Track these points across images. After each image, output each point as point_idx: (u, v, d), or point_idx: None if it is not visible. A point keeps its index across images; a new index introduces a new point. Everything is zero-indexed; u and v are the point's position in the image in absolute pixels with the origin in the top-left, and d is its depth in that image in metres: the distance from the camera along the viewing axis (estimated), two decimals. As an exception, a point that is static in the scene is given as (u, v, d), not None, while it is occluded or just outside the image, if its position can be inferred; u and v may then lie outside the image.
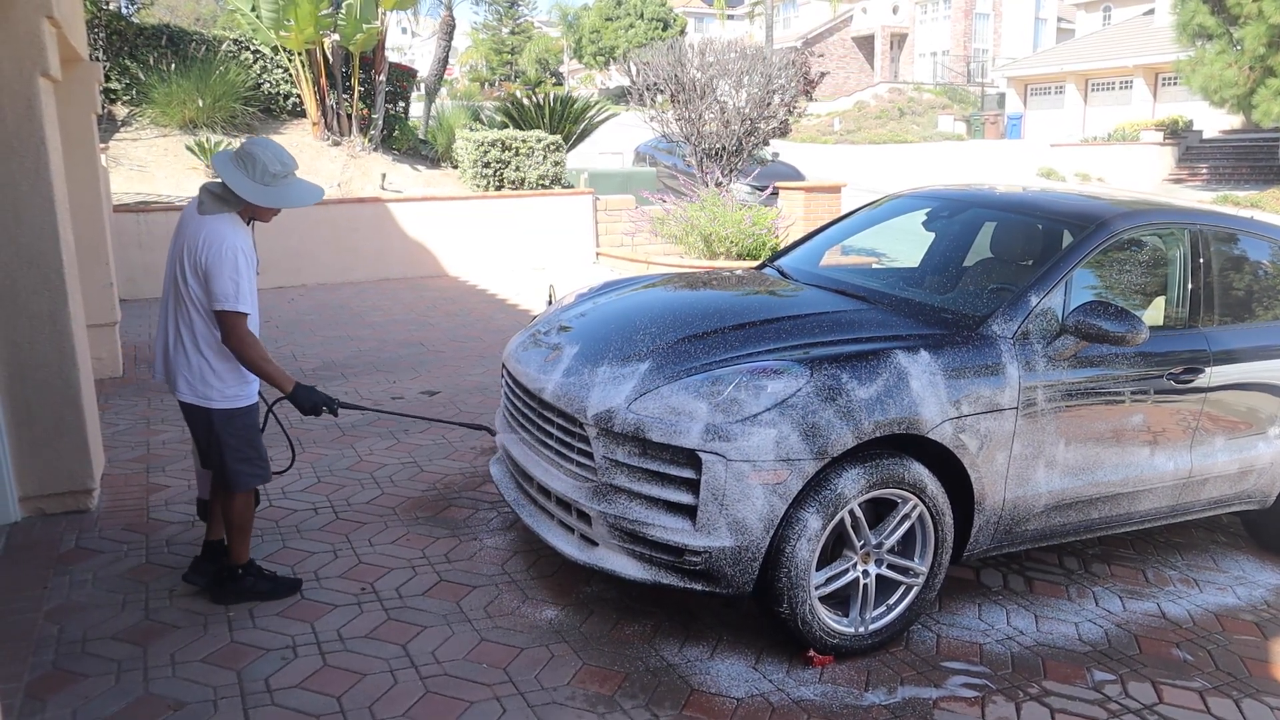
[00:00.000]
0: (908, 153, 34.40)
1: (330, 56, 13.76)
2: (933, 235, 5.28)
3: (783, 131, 12.73)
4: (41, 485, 4.44)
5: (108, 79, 13.24)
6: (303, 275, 11.55)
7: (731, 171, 12.10)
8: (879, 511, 3.50)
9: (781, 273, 4.82)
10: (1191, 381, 4.05)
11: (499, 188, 13.23)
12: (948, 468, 3.54)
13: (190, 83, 13.08)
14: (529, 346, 4.06)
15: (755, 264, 5.35)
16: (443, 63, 16.35)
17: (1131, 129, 29.04)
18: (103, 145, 11.16)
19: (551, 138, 13.33)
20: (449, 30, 15.94)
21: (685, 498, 3.24)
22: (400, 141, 14.39)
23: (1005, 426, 3.58)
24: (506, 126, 15.06)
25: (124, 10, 15.27)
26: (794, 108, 12.17)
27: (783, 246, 11.69)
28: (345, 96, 14.17)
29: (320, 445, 5.64)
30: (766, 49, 12.49)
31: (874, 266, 5.19)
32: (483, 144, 13.02)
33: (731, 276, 4.78)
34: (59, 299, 4.36)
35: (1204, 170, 26.58)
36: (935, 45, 49.60)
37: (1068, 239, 4.13)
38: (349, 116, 14.04)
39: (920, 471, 3.43)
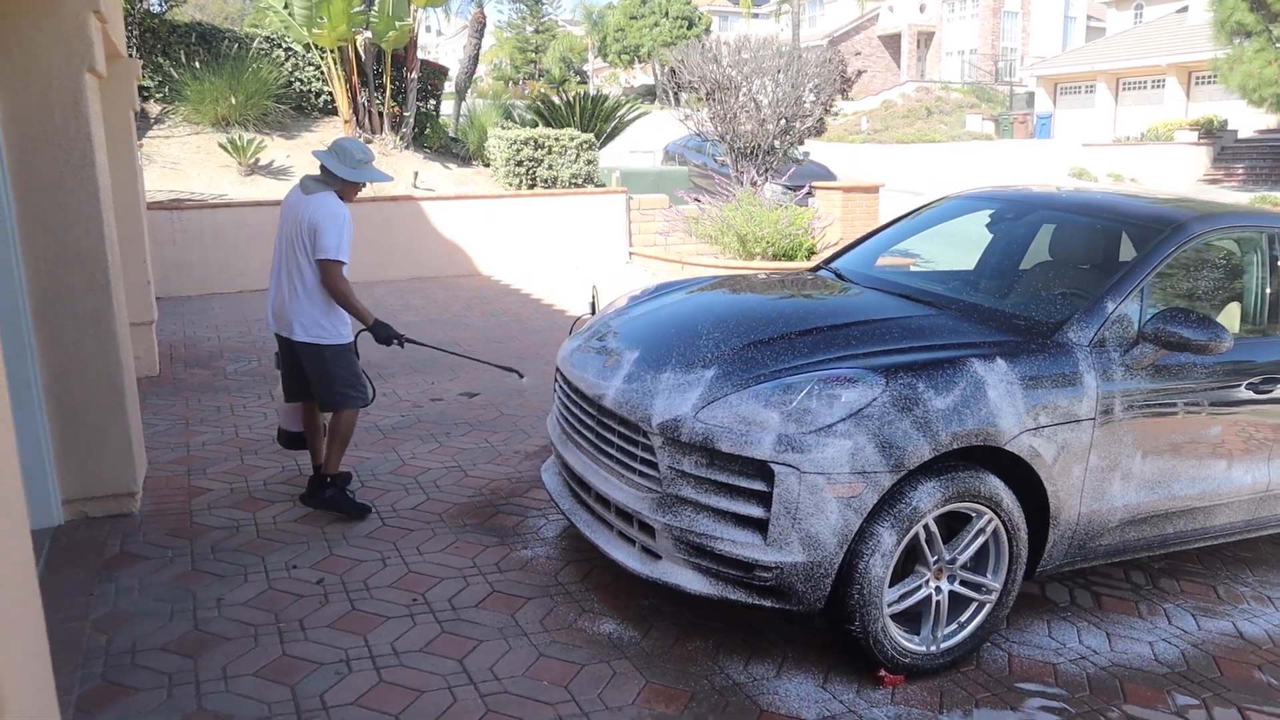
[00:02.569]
0: (937, 152, 34.05)
1: (362, 54, 13.72)
2: (989, 237, 5.14)
3: (818, 130, 12.57)
4: (85, 488, 4.37)
5: (140, 76, 13.23)
6: (335, 274, 11.48)
7: (767, 171, 11.95)
8: (951, 526, 3.37)
9: (839, 275, 4.68)
10: (1271, 391, 3.89)
11: (531, 186, 13.15)
12: (1022, 480, 3.40)
13: (223, 80, 13.06)
14: (585, 351, 3.95)
15: (809, 266, 5.21)
16: (473, 60, 16.28)
17: (1165, 129, 28.61)
18: (137, 143, 11.15)
19: (584, 136, 13.23)
20: (480, 27, 15.87)
21: (755, 511, 3.12)
22: (432, 140, 14.33)
23: (1082, 438, 3.44)
24: (537, 125, 14.98)
25: (156, 7, 15.25)
26: (830, 106, 12.00)
27: (827, 248, 11.60)
28: (377, 94, 14.13)
29: (362, 448, 5.55)
30: (798, 47, 12.31)
31: (927, 270, 5.03)
32: (515, 142, 12.93)
33: (789, 279, 4.65)
34: (105, 298, 4.29)
35: (1240, 170, 26.14)
36: (963, 44, 49.14)
37: (1142, 243, 3.97)
38: (380, 114, 14.00)
39: (996, 484, 3.30)
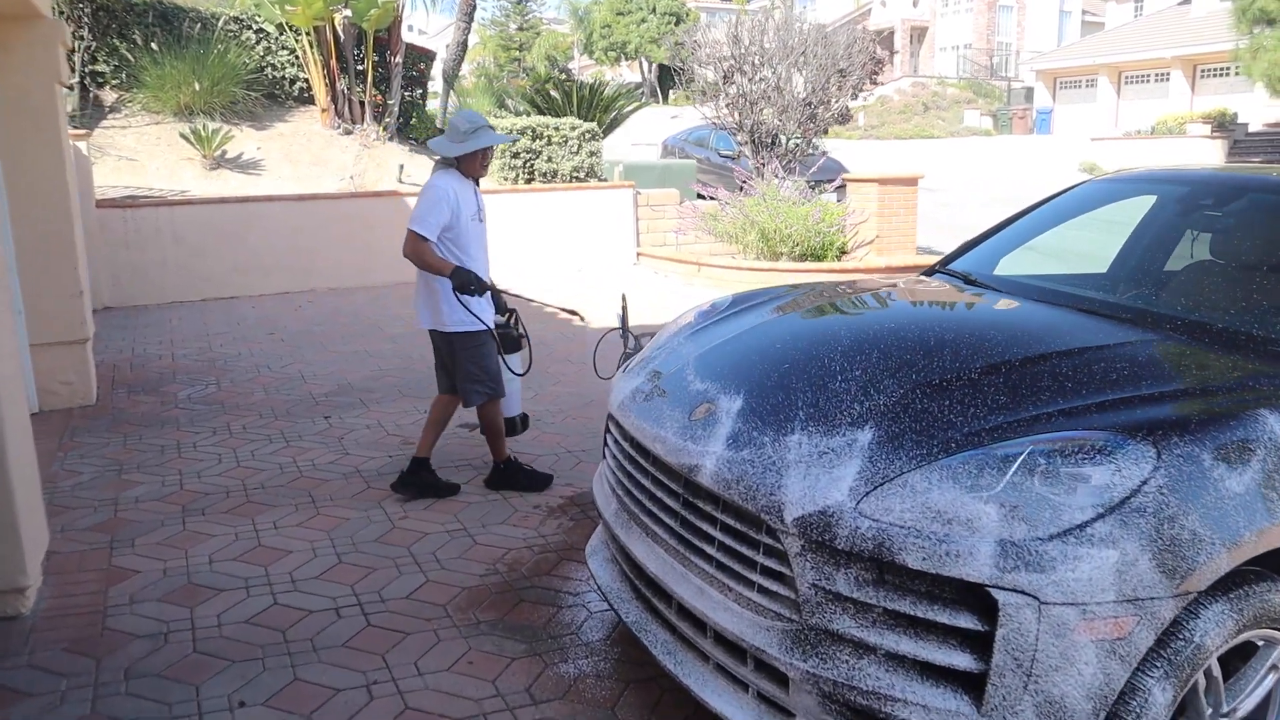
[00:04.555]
0: (937, 148, 33.00)
1: (341, 35, 12.47)
2: (1131, 229, 4.02)
3: (843, 119, 11.44)
4: (-46, 582, 3.17)
5: (94, 60, 11.97)
6: (312, 278, 10.27)
7: (792, 163, 10.81)
8: (1227, 662, 2.22)
9: (969, 280, 3.53)
10: None
11: (529, 181, 11.95)
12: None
13: (185, 65, 11.80)
14: (654, 395, 2.77)
15: (918, 268, 4.05)
16: (462, 46, 15.04)
17: (1175, 122, 27.70)
18: (86, 132, 9.90)
19: (587, 125, 12.05)
20: (469, 11, 14.63)
21: (963, 661, 1.96)
22: (418, 130, 13.10)
23: None
24: (531, 115, 13.76)
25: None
26: (859, 92, 10.87)
27: (860, 246, 10.45)
28: (358, 81, 12.88)
29: (339, 502, 4.36)
30: (824, 28, 11.18)
31: (1082, 273, 3.89)
32: (511, 132, 11.73)
33: (909, 288, 3.49)
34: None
35: (1256, 164, 25.20)
36: (957, 39, 48.18)
37: None
38: (362, 103, 12.76)
39: (1299, 599, 2.16)
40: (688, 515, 2.44)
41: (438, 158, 4.25)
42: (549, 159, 11.87)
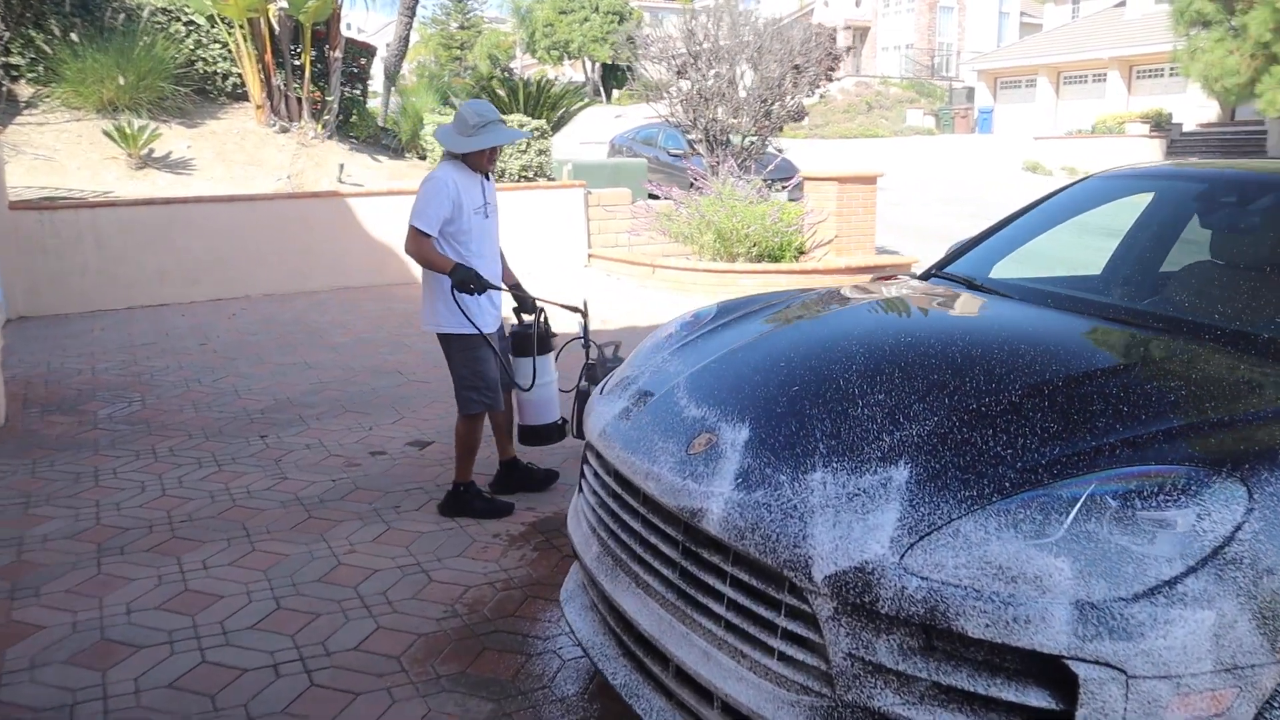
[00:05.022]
0: (882, 147, 33.11)
1: (277, 29, 11.89)
2: (1126, 230, 3.78)
3: (798, 116, 11.19)
4: None
5: (7, 52, 11.23)
6: (246, 284, 9.72)
7: (747, 161, 10.53)
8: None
9: (973, 286, 3.24)
10: None
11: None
12: None
13: (109, 58, 11.12)
14: (640, 422, 2.42)
15: (898, 269, 3.74)
16: (404, 41, 14.50)
17: (1115, 122, 28.14)
18: (-2, 129, 9.24)
19: (536, 123, 11.64)
20: (411, 4, 14.09)
21: (1031, 746, 1.64)
22: (358, 128, 12.57)
23: None
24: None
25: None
26: (816, 88, 10.64)
27: (819, 246, 10.17)
28: (295, 76, 12.30)
29: (276, 535, 3.93)
30: (779, 23, 10.92)
31: (1084, 275, 3.63)
32: (456, 129, 11.27)
33: (915, 295, 3.18)
34: None
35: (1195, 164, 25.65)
36: (899, 39, 48.60)
37: None
38: (299, 100, 12.17)
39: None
40: (689, 566, 2.08)
41: (444, 150, 4.00)
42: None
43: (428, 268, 3.93)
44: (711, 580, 2.02)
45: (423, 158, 12.45)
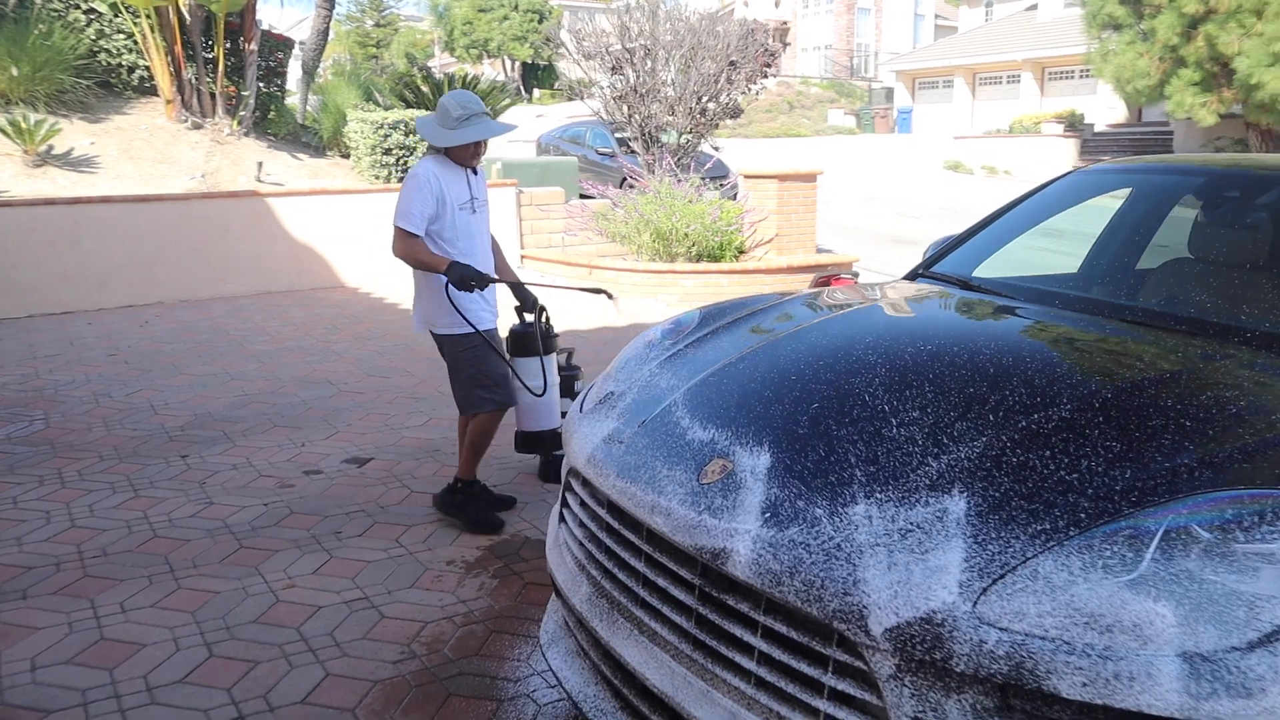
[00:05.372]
0: (805, 146, 33.33)
1: (187, 18, 11.23)
2: (1096, 230, 3.65)
3: (734, 114, 11.02)
4: None
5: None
6: (158, 290, 9.13)
7: (684, 159, 10.32)
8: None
9: (969, 286, 3.03)
10: None
11: (402, 179, 11.04)
12: None
13: (0, 48, 10.36)
14: (636, 445, 2.13)
15: (906, 274, 3.52)
16: (323, 35, 13.91)
17: (1031, 122, 28.82)
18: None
19: (464, 119, 11.21)
20: (330, -4, 13.54)
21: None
22: (277, 125, 11.98)
23: None
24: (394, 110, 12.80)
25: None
26: (752, 87, 10.48)
27: (759, 245, 9.96)
28: (207, 70, 11.65)
29: (204, 569, 3.54)
30: (715, 20, 10.72)
31: (1069, 273, 3.47)
32: (382, 126, 10.81)
33: (917, 296, 2.95)
34: None
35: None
36: (818, 39, 49.14)
37: None
38: (212, 95, 11.54)
39: None
40: (709, 614, 1.81)
41: (427, 144, 3.90)
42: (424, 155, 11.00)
43: (420, 268, 3.75)
44: (738, 630, 1.75)
45: (345, 156, 11.93)
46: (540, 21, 56.12)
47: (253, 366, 6.69)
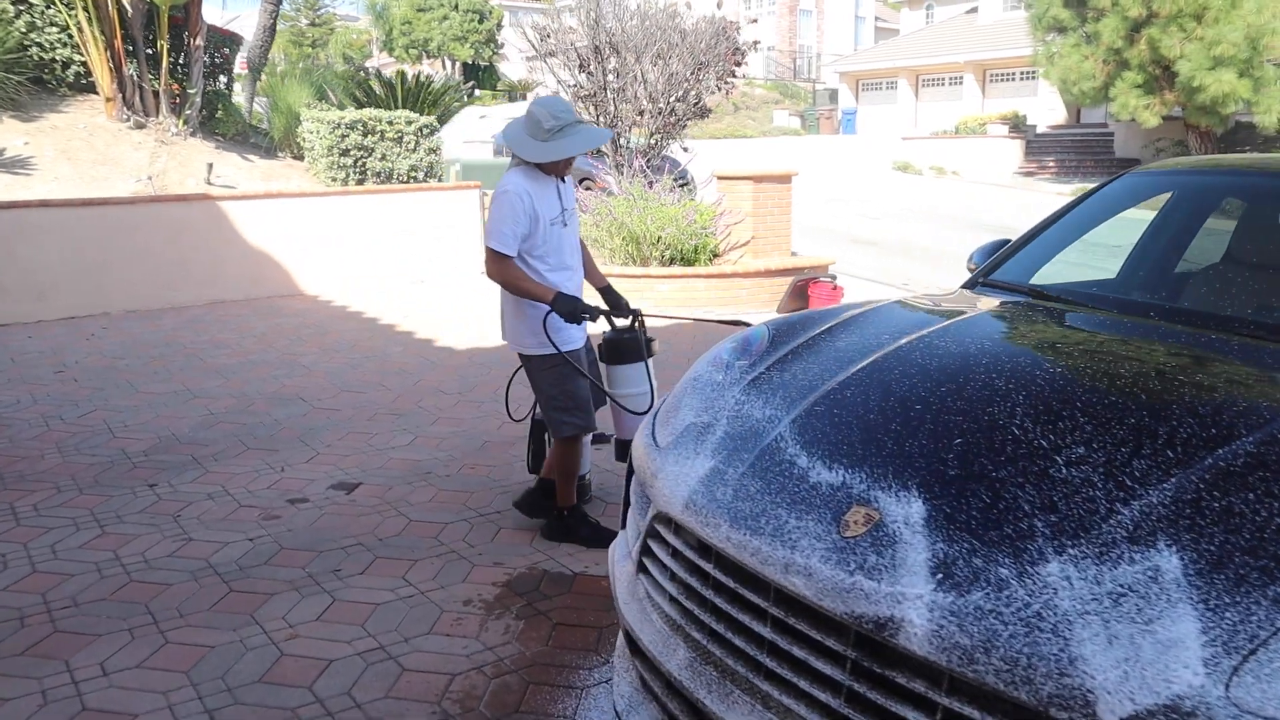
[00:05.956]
0: (753, 147, 33.33)
1: (129, 11, 10.63)
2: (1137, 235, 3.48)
3: (703, 114, 10.80)
4: None
5: None
6: (104, 300, 8.58)
7: (655, 159, 10.06)
8: None
9: (1043, 296, 2.81)
10: None
11: (360, 182, 10.62)
12: None
13: (-76, 42, 9.70)
14: (752, 492, 1.84)
15: (962, 285, 3.29)
16: (270, 31, 13.33)
17: (976, 123, 29.14)
18: None
19: (424, 119, 10.84)
20: (277, -9, 12.99)
21: None
22: (225, 125, 11.44)
23: None
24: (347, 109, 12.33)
25: None
26: (722, 85, 10.26)
27: (734, 248, 9.73)
28: (150, 67, 11.06)
29: (191, 616, 3.17)
30: (682, 18, 10.48)
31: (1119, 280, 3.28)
32: (339, 126, 10.36)
33: (1013, 311, 2.70)
34: None
35: (1051, 163, 26.81)
36: (761, 41, 49.34)
37: None
38: (156, 92, 10.95)
39: None
40: (867, 692, 1.54)
41: (512, 154, 3.60)
42: (383, 156, 10.58)
43: (520, 295, 3.53)
44: (910, 715, 1.48)
45: (299, 157, 11.43)
46: (480, 22, 55.48)
47: (216, 383, 6.25)
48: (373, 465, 4.73)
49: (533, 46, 10.10)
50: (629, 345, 3.72)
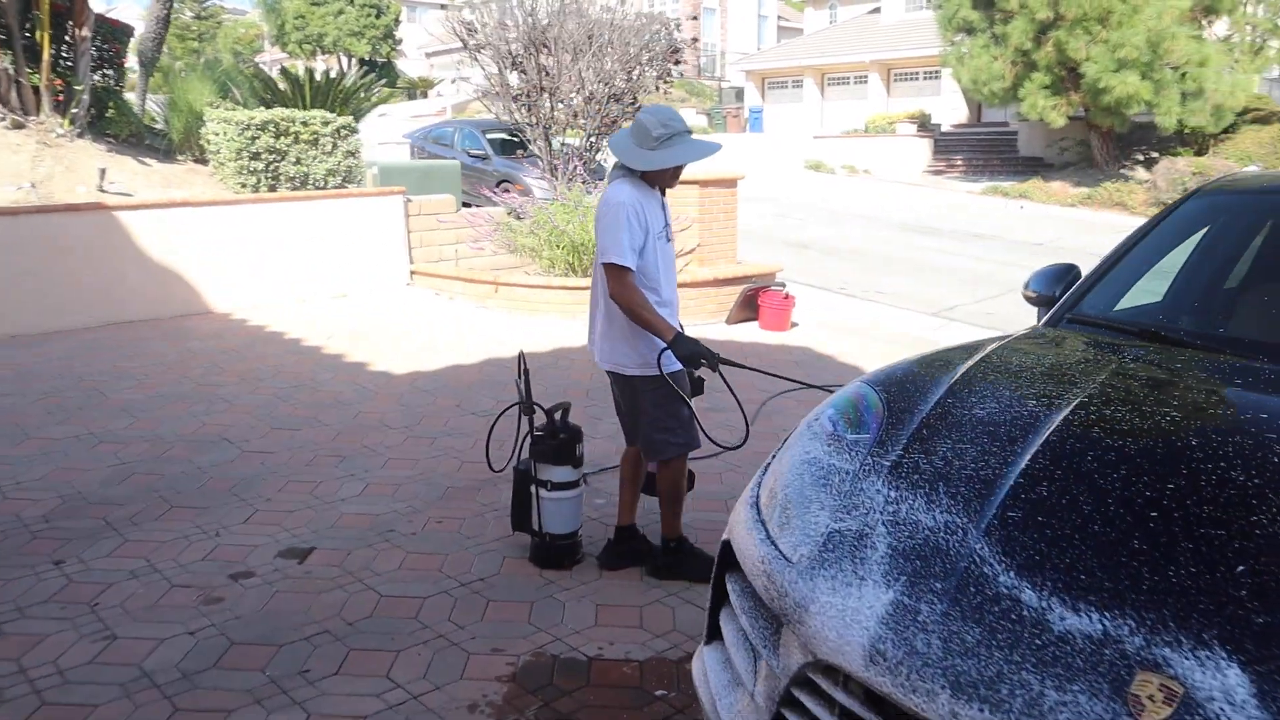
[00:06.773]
0: (665, 147, 32.99)
1: None
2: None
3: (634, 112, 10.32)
4: None
5: None
6: (-18, 324, 7.62)
7: (591, 162, 9.55)
8: None
9: (1158, 338, 2.42)
10: None
11: (273, 188, 9.78)
12: None
13: None
14: (969, 642, 1.37)
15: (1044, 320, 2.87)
16: (164, 21, 12.26)
17: (885, 121, 29.43)
18: None
19: (341, 120, 10.07)
20: (169, -21, 11.95)
21: None
22: (118, 125, 10.42)
23: None
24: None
25: None
26: (661, 84, 9.81)
27: (680, 255, 9.27)
28: (28, 60, 9.98)
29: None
30: (615, 14, 9.99)
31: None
32: (249, 127, 9.51)
33: (1100, 357, 2.29)
34: None
35: (959, 162, 27.23)
36: (699, 39, 49.19)
37: None
38: (36, 89, 9.88)
39: None
40: None
41: (617, 164, 3.45)
42: (298, 160, 9.77)
43: (638, 324, 3.32)
44: None
45: (202, 161, 10.51)
46: (378, 17, 53.86)
47: (123, 424, 5.47)
48: (323, 524, 4.10)
49: (461, 41, 9.44)
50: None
